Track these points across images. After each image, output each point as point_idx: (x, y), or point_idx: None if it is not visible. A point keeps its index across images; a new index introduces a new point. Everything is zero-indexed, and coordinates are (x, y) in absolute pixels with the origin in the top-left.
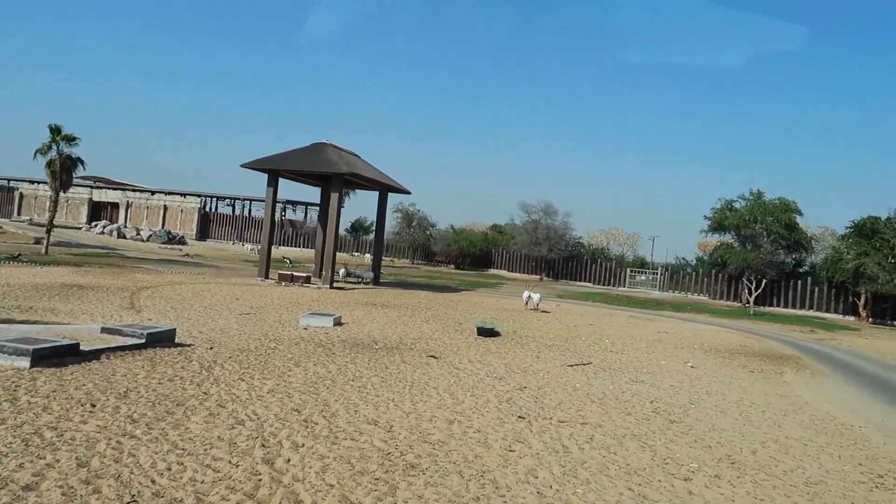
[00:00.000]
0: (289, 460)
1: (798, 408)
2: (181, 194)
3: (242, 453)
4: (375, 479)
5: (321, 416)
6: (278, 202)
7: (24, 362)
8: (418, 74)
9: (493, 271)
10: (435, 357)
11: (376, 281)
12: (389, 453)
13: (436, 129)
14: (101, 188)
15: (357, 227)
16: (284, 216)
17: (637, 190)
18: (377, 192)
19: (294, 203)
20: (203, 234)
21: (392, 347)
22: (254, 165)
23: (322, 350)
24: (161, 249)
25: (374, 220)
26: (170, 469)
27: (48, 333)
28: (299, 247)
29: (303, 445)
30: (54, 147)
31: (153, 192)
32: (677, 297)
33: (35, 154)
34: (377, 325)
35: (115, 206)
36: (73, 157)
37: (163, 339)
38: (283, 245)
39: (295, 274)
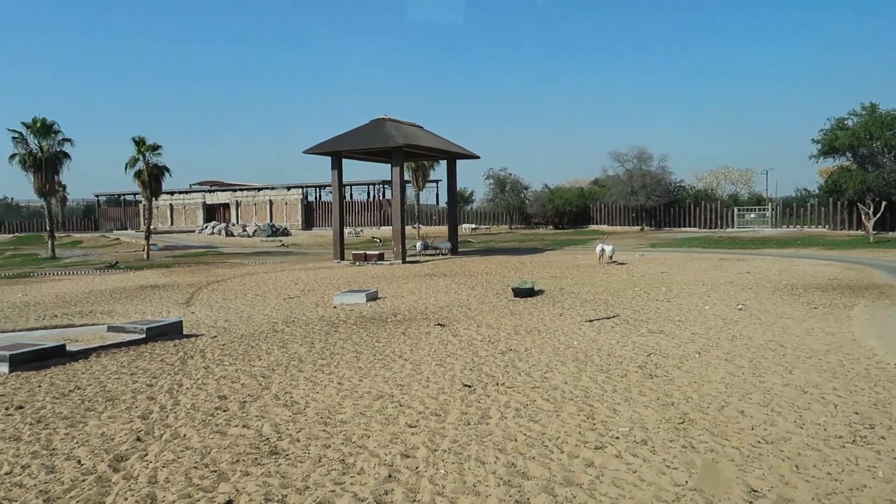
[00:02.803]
0: (145, 455)
1: (836, 347)
2: (285, 188)
3: (104, 451)
4: (213, 471)
5: (241, 401)
6: (376, 183)
7: (4, 367)
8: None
9: (592, 227)
10: (442, 325)
11: (454, 251)
12: (268, 439)
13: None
14: (212, 191)
15: (458, 198)
16: (383, 197)
17: (746, 122)
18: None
19: (387, 182)
20: (308, 223)
21: (409, 319)
22: (316, 150)
23: (328, 328)
24: (262, 242)
25: (472, 190)
26: (10, 472)
27: (51, 337)
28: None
29: (183, 436)
30: (141, 158)
31: (259, 189)
32: (791, 231)
33: (126, 167)
34: (414, 297)
35: (227, 206)
36: (159, 165)
37: (167, 333)
38: (383, 225)
39: (368, 253)
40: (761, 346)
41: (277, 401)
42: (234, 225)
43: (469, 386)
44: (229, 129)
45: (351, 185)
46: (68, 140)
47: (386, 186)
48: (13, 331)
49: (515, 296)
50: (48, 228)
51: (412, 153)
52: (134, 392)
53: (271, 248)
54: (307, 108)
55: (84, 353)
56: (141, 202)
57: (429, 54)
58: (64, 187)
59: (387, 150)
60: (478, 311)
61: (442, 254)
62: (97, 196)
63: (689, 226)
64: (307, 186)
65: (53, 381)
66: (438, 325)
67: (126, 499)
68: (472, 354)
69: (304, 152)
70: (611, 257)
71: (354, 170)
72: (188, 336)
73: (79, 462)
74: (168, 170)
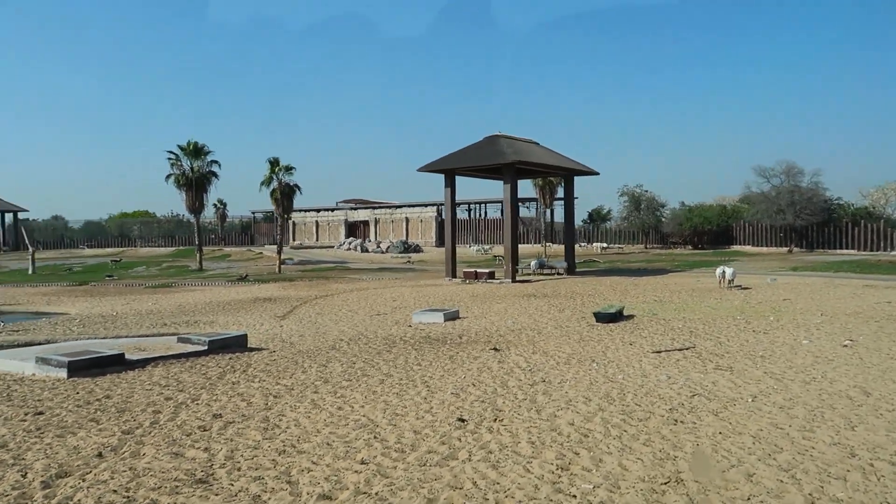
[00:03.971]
0: (87, 473)
1: None
2: (421, 205)
3: (58, 465)
4: (125, 497)
5: (229, 421)
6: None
7: (63, 373)
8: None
9: (735, 248)
10: (497, 349)
11: (571, 270)
12: (211, 465)
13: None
14: (354, 209)
15: (594, 217)
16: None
17: None
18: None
19: (523, 200)
20: (441, 240)
21: (471, 341)
22: (429, 168)
23: (383, 348)
24: (392, 259)
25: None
26: None
27: (129, 345)
28: (530, 243)
29: (141, 456)
30: (274, 177)
31: (397, 207)
32: None
33: (260, 186)
34: (496, 318)
35: (366, 223)
36: (291, 184)
37: (230, 346)
38: (518, 243)
39: (478, 271)
40: (839, 392)
41: (264, 423)
42: (369, 241)
43: (464, 420)
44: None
45: (485, 203)
46: (216, 161)
47: (521, 204)
48: (104, 337)
49: (597, 321)
50: (197, 242)
51: (526, 170)
52: (147, 405)
53: (398, 264)
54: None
55: (142, 363)
56: (290, 218)
57: (557, 70)
58: (224, 204)
59: (498, 166)
60: (547, 336)
61: (557, 273)
62: (253, 213)
63: (847, 248)
64: (440, 205)
65: (92, 389)
66: (493, 349)
67: None
68: (500, 384)
69: (418, 170)
70: (731, 281)
71: (487, 187)
72: (251, 350)
73: (24, 475)
74: (299, 188)
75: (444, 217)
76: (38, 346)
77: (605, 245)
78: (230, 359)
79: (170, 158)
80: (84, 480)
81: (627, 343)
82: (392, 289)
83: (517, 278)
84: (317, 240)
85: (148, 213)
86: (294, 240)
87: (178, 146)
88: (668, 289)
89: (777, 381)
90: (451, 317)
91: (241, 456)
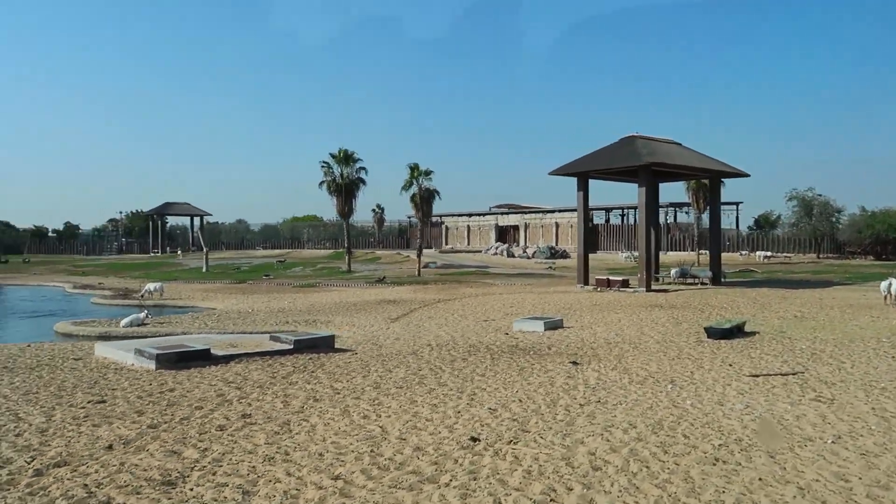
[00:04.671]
0: (80, 466)
1: None
2: (572, 210)
3: (68, 455)
4: (89, 492)
5: (252, 422)
6: (663, 206)
7: (152, 365)
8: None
9: None
10: (576, 363)
11: (716, 280)
12: (193, 465)
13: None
14: (504, 213)
15: (761, 223)
16: (669, 219)
17: None
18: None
19: (678, 205)
20: (592, 246)
21: (556, 353)
22: (561, 171)
23: (462, 355)
24: (535, 264)
25: (778, 213)
26: None
27: (224, 342)
28: (686, 250)
29: (143, 450)
30: (415, 182)
31: (547, 212)
32: None
33: (401, 190)
34: (601, 329)
35: (516, 228)
36: (431, 189)
37: (317, 346)
38: (671, 250)
39: (611, 279)
40: None
41: (280, 427)
42: (516, 246)
43: (476, 440)
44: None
45: (635, 208)
46: (364, 168)
47: (673, 208)
48: (222, 332)
49: (708, 336)
50: (346, 245)
51: (665, 172)
52: (197, 400)
53: (539, 269)
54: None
55: (225, 359)
56: (443, 223)
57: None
58: (382, 209)
59: (633, 168)
60: (642, 351)
61: (701, 283)
62: (409, 217)
63: None
64: (593, 209)
65: (165, 381)
66: (573, 362)
67: None
68: (549, 402)
69: (550, 174)
70: None
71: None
72: (337, 350)
73: (30, 461)
74: (438, 193)
75: (595, 222)
76: (162, 337)
77: (768, 254)
78: (309, 359)
79: (323, 166)
80: (74, 472)
81: (726, 364)
82: (517, 295)
83: (653, 287)
84: (468, 244)
85: (316, 218)
86: (446, 243)
87: (330, 154)
88: (819, 304)
89: (882, 420)
90: (553, 326)
91: (228, 460)
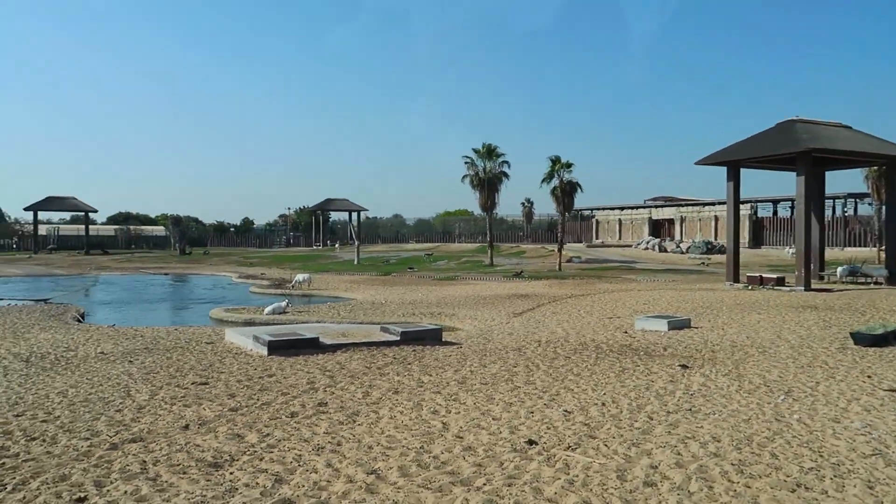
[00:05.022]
0: (148, 445)
1: None
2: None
3: (120, 430)
4: (61, 476)
5: (322, 412)
6: (839, 196)
7: (265, 351)
8: None
9: None
10: (686, 366)
11: (893, 279)
12: (247, 450)
13: None
14: (658, 206)
15: None
16: (847, 212)
17: None
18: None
19: (859, 196)
20: (756, 240)
21: (670, 354)
22: (708, 161)
23: (565, 354)
24: (688, 259)
25: None
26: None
27: (336, 332)
28: (869, 246)
29: (165, 436)
30: (556, 175)
31: (704, 205)
32: None
33: (541, 182)
34: (732, 331)
35: (671, 221)
36: (572, 182)
37: (423, 338)
38: (848, 245)
39: (764, 276)
40: None
41: (347, 418)
42: (669, 241)
43: (534, 443)
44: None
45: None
46: (507, 162)
47: (853, 199)
48: (351, 322)
49: (855, 342)
50: (488, 239)
51: (830, 159)
52: (287, 386)
53: (690, 265)
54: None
55: (332, 348)
56: (593, 217)
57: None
58: (531, 203)
59: (791, 155)
60: (768, 356)
61: (875, 282)
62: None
63: None
64: (758, 201)
65: (269, 367)
66: (682, 366)
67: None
68: (634, 408)
69: (697, 163)
70: None
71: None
72: (444, 343)
73: (114, 434)
74: (580, 186)
75: (760, 215)
76: (287, 325)
77: None
78: (412, 351)
79: (466, 161)
80: (143, 448)
81: (864, 375)
82: (655, 292)
83: (815, 286)
84: (619, 238)
85: (467, 212)
86: (597, 238)
87: (473, 149)
88: None
89: None
90: (678, 325)
91: (281, 447)
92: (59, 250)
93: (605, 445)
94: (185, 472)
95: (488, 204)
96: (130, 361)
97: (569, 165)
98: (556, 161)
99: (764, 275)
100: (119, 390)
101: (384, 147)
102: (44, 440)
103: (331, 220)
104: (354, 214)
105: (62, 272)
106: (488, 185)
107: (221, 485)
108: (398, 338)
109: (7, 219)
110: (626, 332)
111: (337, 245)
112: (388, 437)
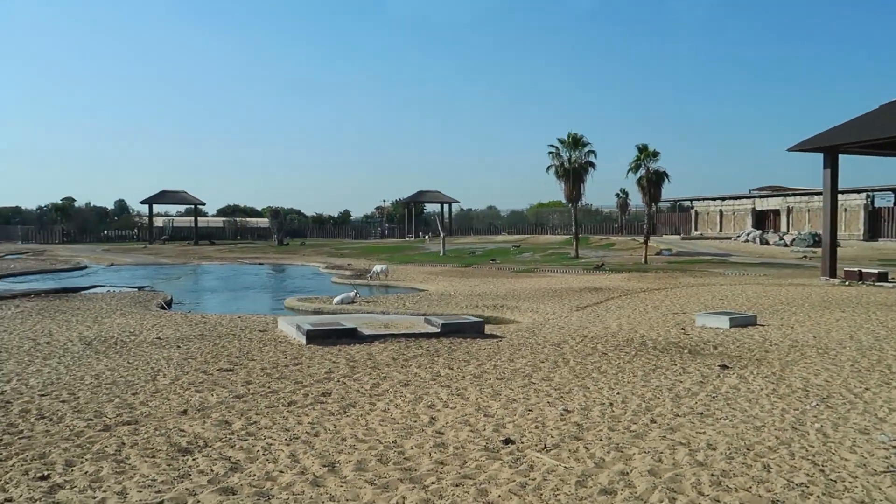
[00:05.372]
0: (137, 430)
1: None
2: (844, 192)
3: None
4: (39, 454)
5: (320, 403)
6: None
7: (303, 339)
8: None
9: None
10: (726, 366)
11: None
12: (222, 437)
13: None
14: (763, 197)
15: None
16: None
17: None
18: None
19: None
20: (872, 232)
21: (721, 353)
22: (803, 147)
23: (606, 350)
24: (790, 253)
25: None
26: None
27: (374, 323)
28: None
29: (159, 419)
30: (642, 164)
31: (814, 194)
32: None
33: (626, 173)
34: (803, 329)
35: (776, 212)
36: (659, 171)
37: (463, 331)
38: None
39: (864, 271)
40: None
41: (344, 409)
42: (772, 233)
43: (511, 442)
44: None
45: None
46: (593, 152)
47: None
48: (404, 313)
49: None
50: (574, 231)
51: None
52: (305, 375)
53: (790, 259)
54: None
55: (370, 338)
56: (692, 208)
57: None
58: (626, 194)
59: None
60: (826, 358)
61: None
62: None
63: None
64: (875, 190)
65: (298, 355)
66: (722, 366)
67: None
68: (642, 409)
69: (789, 150)
70: None
71: None
72: (486, 336)
73: (114, 416)
74: (667, 175)
75: (877, 206)
76: (350, 314)
77: None
78: (449, 343)
79: (550, 151)
80: (132, 432)
81: None
82: (738, 286)
83: None
84: (720, 230)
85: (561, 204)
86: (696, 229)
87: (558, 139)
88: None
89: None
90: (741, 323)
91: (258, 435)
92: (171, 241)
93: (586, 448)
94: (152, 457)
95: (574, 195)
96: (178, 347)
97: (655, 154)
98: (642, 150)
99: (864, 269)
100: (148, 374)
101: (478, 138)
102: (51, 419)
103: (425, 211)
104: (446, 207)
105: (168, 261)
106: (573, 176)
107: (178, 470)
108: (438, 330)
109: (130, 211)
110: (682, 329)
111: (428, 236)
112: (367, 430)
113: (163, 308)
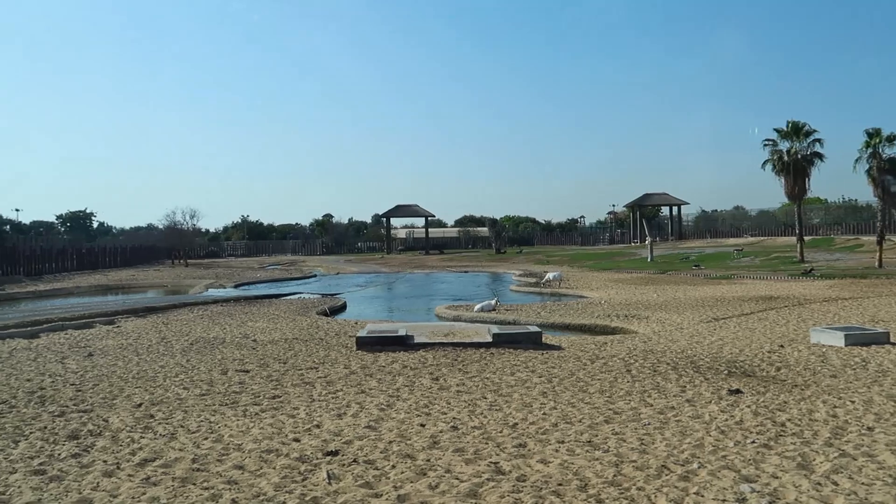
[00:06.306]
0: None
1: None
2: None
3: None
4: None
5: (295, 407)
6: None
7: (354, 345)
8: None
9: None
10: (738, 391)
11: None
12: (173, 434)
13: None
14: None
15: None
16: None
17: None
18: None
19: None
20: None
21: (771, 378)
22: None
23: (672, 370)
24: None
25: None
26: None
27: (437, 330)
28: None
29: (179, 415)
30: (874, 151)
31: None
32: None
33: (854, 164)
34: None
35: None
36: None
37: (520, 341)
38: None
39: None
40: None
41: (305, 411)
42: None
43: (335, 453)
44: None
45: None
46: (819, 141)
47: None
48: (527, 320)
49: None
50: (797, 231)
51: None
52: (311, 381)
53: None
54: None
55: (420, 346)
56: None
57: None
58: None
59: None
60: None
61: None
62: None
63: None
64: None
65: (333, 360)
66: (732, 391)
67: None
68: (584, 431)
69: None
70: None
71: None
72: (542, 347)
73: (77, 404)
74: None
75: None
76: (492, 323)
77: None
78: (494, 353)
79: (766, 144)
80: (79, 418)
81: None
82: None
83: None
84: None
85: (819, 200)
86: None
87: (775, 130)
88: None
89: None
90: (863, 341)
91: (181, 429)
92: (407, 251)
93: (426, 461)
94: (60, 443)
95: (795, 191)
96: (253, 349)
97: (892, 139)
98: (873, 135)
99: None
100: (180, 369)
101: (716, 133)
102: (62, 403)
103: (661, 214)
104: (675, 209)
105: (387, 270)
106: (794, 169)
107: (76, 455)
108: (490, 340)
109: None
110: (781, 346)
111: (647, 241)
112: (273, 439)
113: (326, 314)
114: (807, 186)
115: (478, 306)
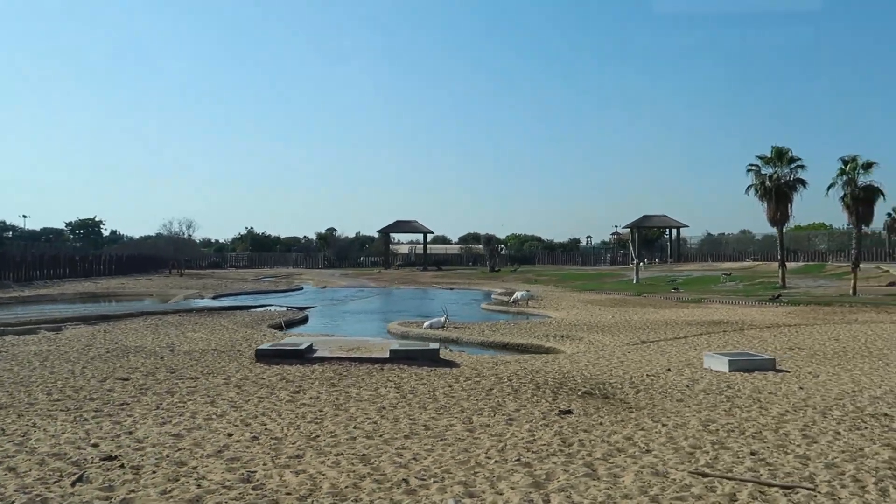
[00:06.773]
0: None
1: None
2: None
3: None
4: None
5: (124, 406)
6: None
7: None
8: None
9: None
10: (567, 412)
11: None
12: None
13: None
14: None
15: None
16: None
17: None
18: None
19: None
20: None
21: (627, 402)
22: None
23: (535, 390)
24: None
25: None
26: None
27: (350, 343)
28: None
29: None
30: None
31: None
32: None
33: (826, 189)
34: (824, 379)
35: None
36: (871, 186)
37: (415, 358)
38: None
39: None
40: None
41: (121, 419)
42: None
43: (113, 458)
44: None
45: None
46: (802, 166)
47: None
48: (447, 339)
49: None
50: (779, 257)
51: None
52: (171, 389)
53: None
54: None
55: (317, 360)
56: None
57: None
58: None
59: None
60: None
61: None
62: None
63: None
64: None
65: (223, 371)
66: (562, 412)
67: None
68: (320, 440)
69: None
70: None
71: None
72: (438, 363)
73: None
74: (882, 192)
75: None
76: (328, 337)
77: None
78: (384, 369)
79: (750, 169)
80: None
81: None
82: None
83: None
84: None
85: (825, 226)
86: None
87: (757, 156)
88: None
89: None
90: (745, 367)
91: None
92: (404, 266)
93: (193, 468)
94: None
95: (777, 216)
96: (163, 358)
97: (868, 166)
98: (848, 162)
99: None
100: (65, 376)
101: (719, 158)
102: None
103: (664, 237)
104: (675, 231)
105: (375, 285)
106: (776, 195)
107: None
108: (387, 356)
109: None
110: (668, 370)
111: (642, 263)
112: (84, 442)
113: (280, 328)
114: (789, 212)
115: (426, 323)
